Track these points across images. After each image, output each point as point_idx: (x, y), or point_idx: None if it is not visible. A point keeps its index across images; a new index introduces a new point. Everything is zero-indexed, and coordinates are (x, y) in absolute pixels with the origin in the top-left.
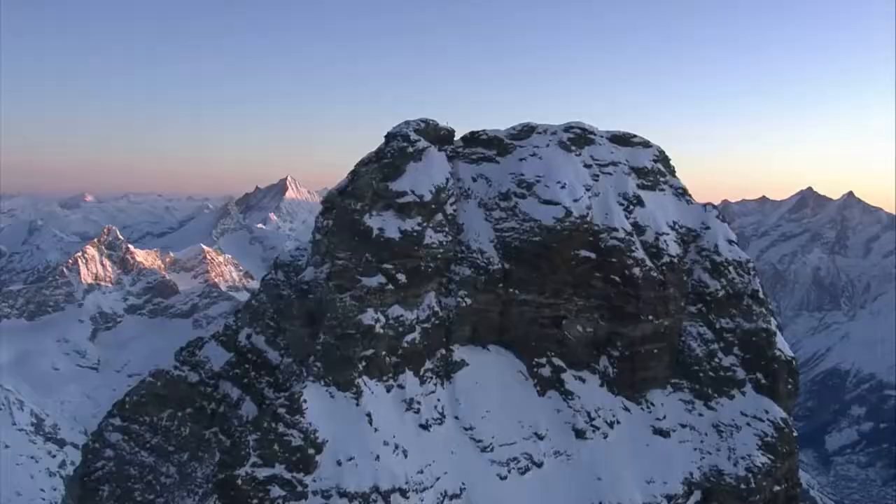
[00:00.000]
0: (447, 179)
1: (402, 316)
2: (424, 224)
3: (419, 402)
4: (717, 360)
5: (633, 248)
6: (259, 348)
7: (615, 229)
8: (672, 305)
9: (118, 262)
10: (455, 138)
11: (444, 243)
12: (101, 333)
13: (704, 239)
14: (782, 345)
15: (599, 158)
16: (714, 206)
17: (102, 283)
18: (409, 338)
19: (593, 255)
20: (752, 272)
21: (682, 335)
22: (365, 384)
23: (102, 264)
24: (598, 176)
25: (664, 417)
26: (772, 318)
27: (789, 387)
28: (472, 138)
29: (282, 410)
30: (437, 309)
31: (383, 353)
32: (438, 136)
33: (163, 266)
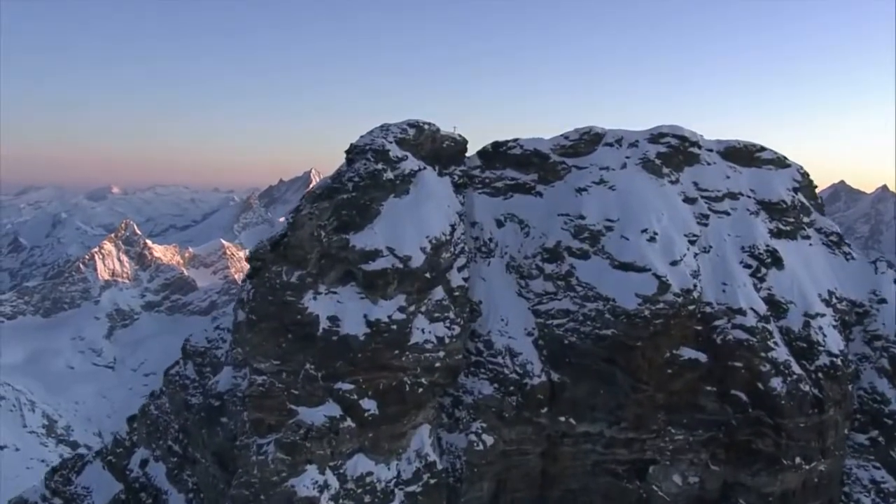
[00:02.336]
0: (453, 226)
1: (370, 475)
2: (412, 308)
3: None
4: None
5: (768, 342)
6: (156, 485)
7: (739, 311)
8: (832, 437)
9: (136, 258)
10: (469, 153)
11: (448, 340)
12: (117, 331)
13: (877, 319)
14: None
15: (709, 187)
16: (890, 265)
17: (119, 280)
18: None
19: (703, 358)
20: None
21: (844, 483)
22: None
23: (120, 260)
24: (707, 217)
25: None
26: None
27: None
28: (497, 152)
29: None
30: (432, 457)
31: None
32: (438, 149)
33: (181, 261)
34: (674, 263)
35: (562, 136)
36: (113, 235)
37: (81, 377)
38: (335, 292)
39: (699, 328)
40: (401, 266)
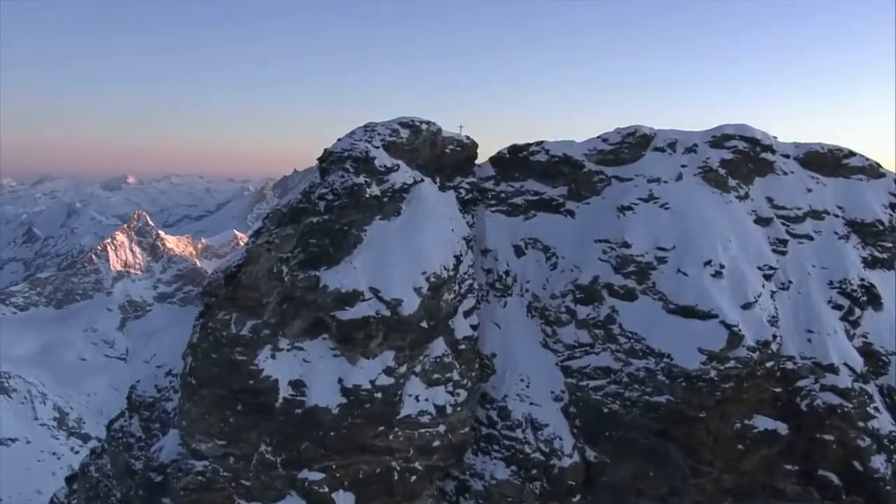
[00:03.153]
0: (458, 257)
1: None
2: (403, 368)
3: None
4: None
5: (867, 408)
6: None
7: (829, 367)
8: None
9: (148, 249)
10: (480, 159)
11: (451, 409)
12: (129, 323)
13: None
14: None
15: (787, 204)
16: None
17: (132, 271)
18: None
19: (783, 429)
20: None
21: None
22: None
23: (132, 251)
24: (785, 243)
25: None
26: None
27: None
28: (517, 159)
29: None
30: None
31: None
32: (440, 156)
33: (194, 252)
34: (746, 306)
35: (599, 138)
36: (125, 226)
37: (93, 369)
38: (300, 348)
39: (778, 390)
40: (388, 313)
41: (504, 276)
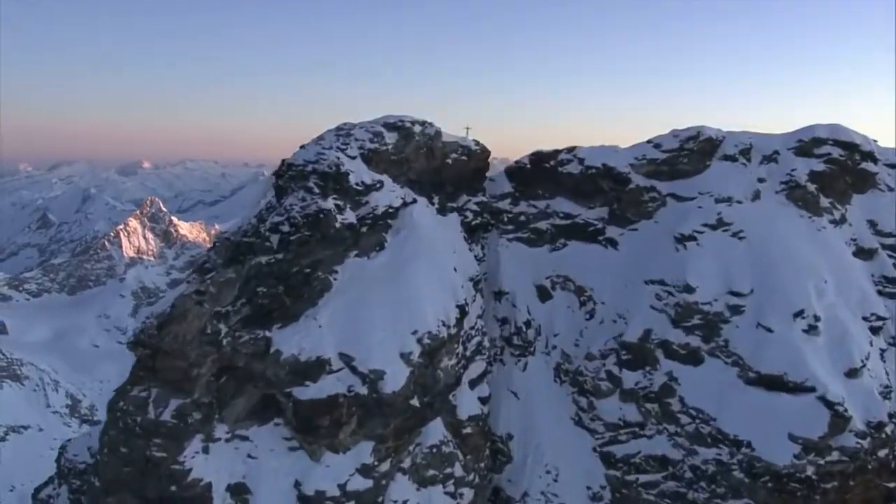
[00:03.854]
0: (463, 306)
1: None
2: (385, 466)
3: None
4: None
5: None
6: None
7: None
8: None
9: (161, 235)
10: (492, 171)
11: None
12: (142, 309)
13: None
14: None
15: (894, 230)
16: None
17: (145, 257)
18: None
19: None
20: None
21: None
22: None
23: (145, 237)
24: (894, 283)
25: None
26: None
27: None
28: (541, 171)
29: None
30: None
31: None
32: (438, 168)
33: (207, 238)
34: (852, 374)
35: (650, 143)
36: (138, 212)
37: (106, 356)
38: (243, 438)
39: (892, 486)
40: (365, 391)
41: (524, 329)
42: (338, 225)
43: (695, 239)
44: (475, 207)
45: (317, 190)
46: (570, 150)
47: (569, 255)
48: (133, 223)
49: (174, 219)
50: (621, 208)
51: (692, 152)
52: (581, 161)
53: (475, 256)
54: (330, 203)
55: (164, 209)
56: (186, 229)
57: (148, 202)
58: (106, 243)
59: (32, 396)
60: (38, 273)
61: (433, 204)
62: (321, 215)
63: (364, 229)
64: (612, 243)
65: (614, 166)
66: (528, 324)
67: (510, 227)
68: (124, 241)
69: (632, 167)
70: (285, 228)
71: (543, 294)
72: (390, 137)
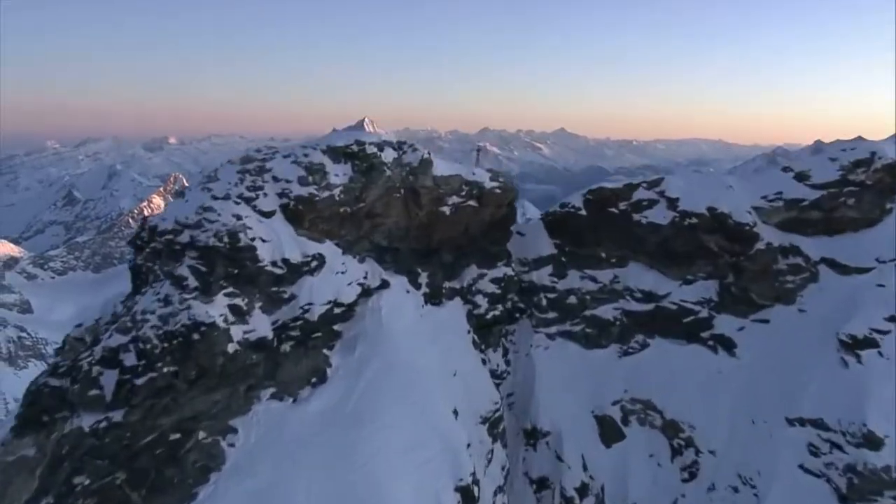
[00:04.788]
0: (470, 484)
1: None
2: None
3: None
4: None
5: None
6: None
7: None
8: None
9: None
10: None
11: None
12: None
13: None
14: None
15: None
16: None
17: None
18: None
19: None
20: None
21: None
22: None
23: None
24: None
25: None
26: None
27: None
28: (603, 217)
29: None
30: None
31: None
32: (425, 224)
33: None
34: None
35: (787, 170)
36: (162, 189)
37: None
38: None
39: None
40: None
41: (577, 499)
42: (233, 347)
43: (876, 344)
44: (493, 287)
45: (194, 281)
46: (653, 184)
47: (652, 363)
48: (157, 200)
49: None
50: (742, 284)
51: (864, 187)
52: (672, 203)
53: (492, 371)
54: (219, 307)
55: (187, 185)
56: None
57: (171, 178)
58: (129, 220)
59: None
60: (63, 251)
61: (417, 287)
62: (201, 330)
63: (286, 348)
64: (727, 345)
65: (729, 212)
66: (583, 489)
67: (552, 314)
68: None
69: (757, 212)
70: (129, 361)
71: (609, 433)
72: (338, 172)
